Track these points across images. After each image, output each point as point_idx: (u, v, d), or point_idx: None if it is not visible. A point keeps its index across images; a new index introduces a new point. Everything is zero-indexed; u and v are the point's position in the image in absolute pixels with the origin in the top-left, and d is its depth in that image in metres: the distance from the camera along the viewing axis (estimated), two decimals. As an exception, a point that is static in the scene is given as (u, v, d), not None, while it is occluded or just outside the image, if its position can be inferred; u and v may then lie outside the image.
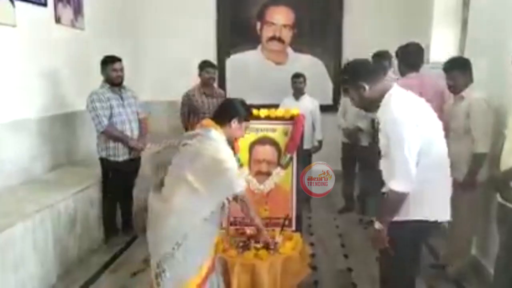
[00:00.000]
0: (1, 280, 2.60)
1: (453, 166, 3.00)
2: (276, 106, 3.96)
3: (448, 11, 4.66)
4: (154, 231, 2.15)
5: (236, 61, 6.16)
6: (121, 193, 3.94)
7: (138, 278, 3.28)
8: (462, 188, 2.83)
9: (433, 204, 2.08)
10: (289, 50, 6.13)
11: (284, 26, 6.08)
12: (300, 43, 6.06)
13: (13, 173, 3.46)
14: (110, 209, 3.88)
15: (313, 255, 3.61)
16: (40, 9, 3.83)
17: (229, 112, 2.29)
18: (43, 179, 3.68)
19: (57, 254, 3.18)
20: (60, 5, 4.12)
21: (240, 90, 5.97)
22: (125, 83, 3.86)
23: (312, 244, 3.86)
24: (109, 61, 3.68)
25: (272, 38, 6.11)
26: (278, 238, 2.75)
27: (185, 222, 2.07)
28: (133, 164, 3.93)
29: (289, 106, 4.15)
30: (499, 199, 2.48)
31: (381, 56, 4.15)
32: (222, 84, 6.06)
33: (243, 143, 3.02)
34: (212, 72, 4.46)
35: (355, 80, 2.09)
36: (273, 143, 3.08)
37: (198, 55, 4.75)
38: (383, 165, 2.16)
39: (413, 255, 2.23)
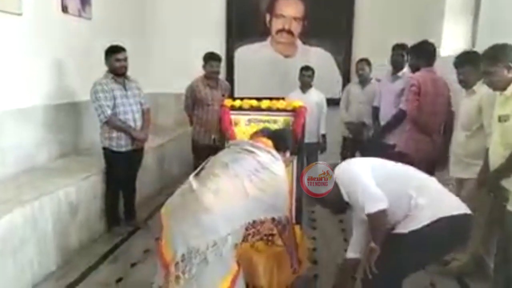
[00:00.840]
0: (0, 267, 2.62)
1: (468, 163, 2.93)
2: (282, 99, 3.91)
3: (459, 5, 4.56)
4: (188, 217, 2.05)
5: (245, 53, 6.10)
6: (123, 183, 3.93)
7: (138, 268, 3.28)
8: (478, 184, 2.75)
9: (432, 206, 2.12)
10: (298, 42, 6.06)
11: (294, 18, 6.01)
12: (309, 36, 5.99)
13: (18, 160, 3.48)
14: (113, 199, 3.87)
15: (314, 249, 3.57)
16: (47, -3, 3.83)
17: (287, 143, 2.52)
18: (47, 167, 3.70)
19: (57, 242, 3.19)
20: (67, -6, 4.12)
21: (249, 82, 5.97)
22: (131, 74, 3.84)
23: (314, 238, 3.82)
24: (112, 51, 3.65)
25: (282, 31, 6.05)
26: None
27: (227, 224, 2.05)
28: (136, 155, 3.92)
29: (296, 99, 4.09)
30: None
31: (401, 47, 4.11)
32: (230, 76, 6.04)
33: (244, 134, 2.99)
34: (215, 66, 4.36)
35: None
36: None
37: (207, 47, 4.67)
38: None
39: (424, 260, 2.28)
